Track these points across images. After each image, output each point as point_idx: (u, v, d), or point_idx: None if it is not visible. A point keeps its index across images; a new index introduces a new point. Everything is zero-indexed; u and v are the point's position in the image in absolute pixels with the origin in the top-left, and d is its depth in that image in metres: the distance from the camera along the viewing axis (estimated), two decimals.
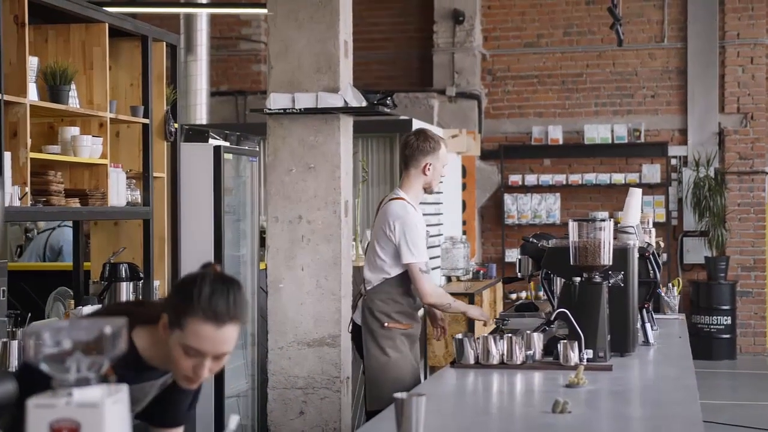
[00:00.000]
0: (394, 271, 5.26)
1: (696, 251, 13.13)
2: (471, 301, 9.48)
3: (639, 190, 5.97)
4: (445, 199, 10.84)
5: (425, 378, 7.04)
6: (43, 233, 8.22)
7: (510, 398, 4.17)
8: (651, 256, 5.41)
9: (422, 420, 2.91)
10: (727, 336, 12.81)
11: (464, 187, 12.81)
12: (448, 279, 10.72)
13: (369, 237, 8.90)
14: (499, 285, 11.61)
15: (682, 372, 4.56)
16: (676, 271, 13.13)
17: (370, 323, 5.29)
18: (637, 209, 5.81)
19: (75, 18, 5.38)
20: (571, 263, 4.68)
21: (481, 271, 11.22)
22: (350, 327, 5.52)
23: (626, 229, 5.44)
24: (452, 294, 8.86)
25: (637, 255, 5.04)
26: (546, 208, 13.43)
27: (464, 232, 12.48)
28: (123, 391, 1.93)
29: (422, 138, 5.36)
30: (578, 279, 4.65)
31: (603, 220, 4.70)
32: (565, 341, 4.47)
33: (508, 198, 13.51)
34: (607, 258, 4.66)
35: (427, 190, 5.42)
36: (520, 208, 13.49)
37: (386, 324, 5.26)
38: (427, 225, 5.74)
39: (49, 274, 6.92)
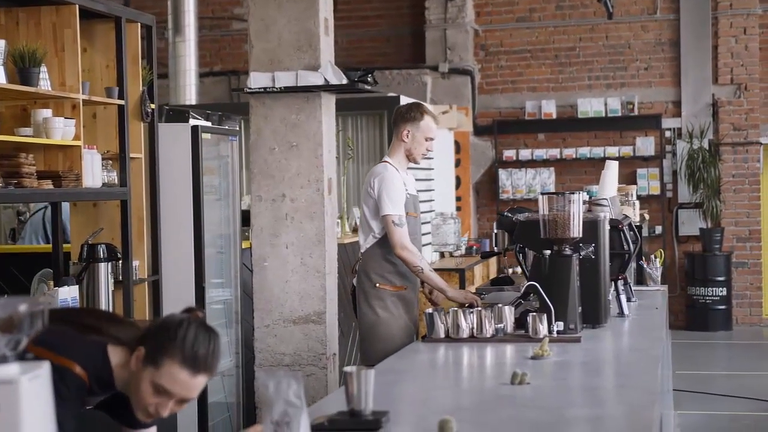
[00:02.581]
0: (379, 229, 5.38)
1: (691, 223, 13.12)
2: (462, 277, 9.52)
3: (615, 163, 5.98)
4: (437, 175, 10.84)
5: None
6: (37, 213, 8.20)
7: (473, 371, 4.19)
8: (625, 228, 5.41)
9: (371, 392, 2.93)
10: (723, 307, 12.82)
11: (458, 163, 12.81)
12: (441, 255, 10.74)
13: (355, 214, 8.97)
14: (493, 260, 11.63)
15: (651, 342, 4.56)
16: (671, 243, 13.13)
17: (364, 284, 5.44)
18: (612, 182, 5.82)
19: (45, 0, 5.39)
20: (542, 236, 4.70)
21: (474, 247, 11.24)
22: (351, 289, 5.65)
23: (600, 202, 5.45)
24: (443, 270, 8.96)
25: (608, 227, 5.04)
26: (541, 183, 13.42)
27: (459, 208, 12.50)
28: (43, 367, 1.96)
29: (408, 107, 5.56)
30: (548, 252, 4.67)
31: (572, 193, 4.71)
32: (534, 314, 4.49)
33: (502, 173, 13.51)
34: (576, 230, 4.67)
35: (410, 158, 5.51)
36: (515, 183, 13.48)
37: (377, 284, 5.39)
38: (419, 201, 5.80)
39: (38, 256, 6.95)
